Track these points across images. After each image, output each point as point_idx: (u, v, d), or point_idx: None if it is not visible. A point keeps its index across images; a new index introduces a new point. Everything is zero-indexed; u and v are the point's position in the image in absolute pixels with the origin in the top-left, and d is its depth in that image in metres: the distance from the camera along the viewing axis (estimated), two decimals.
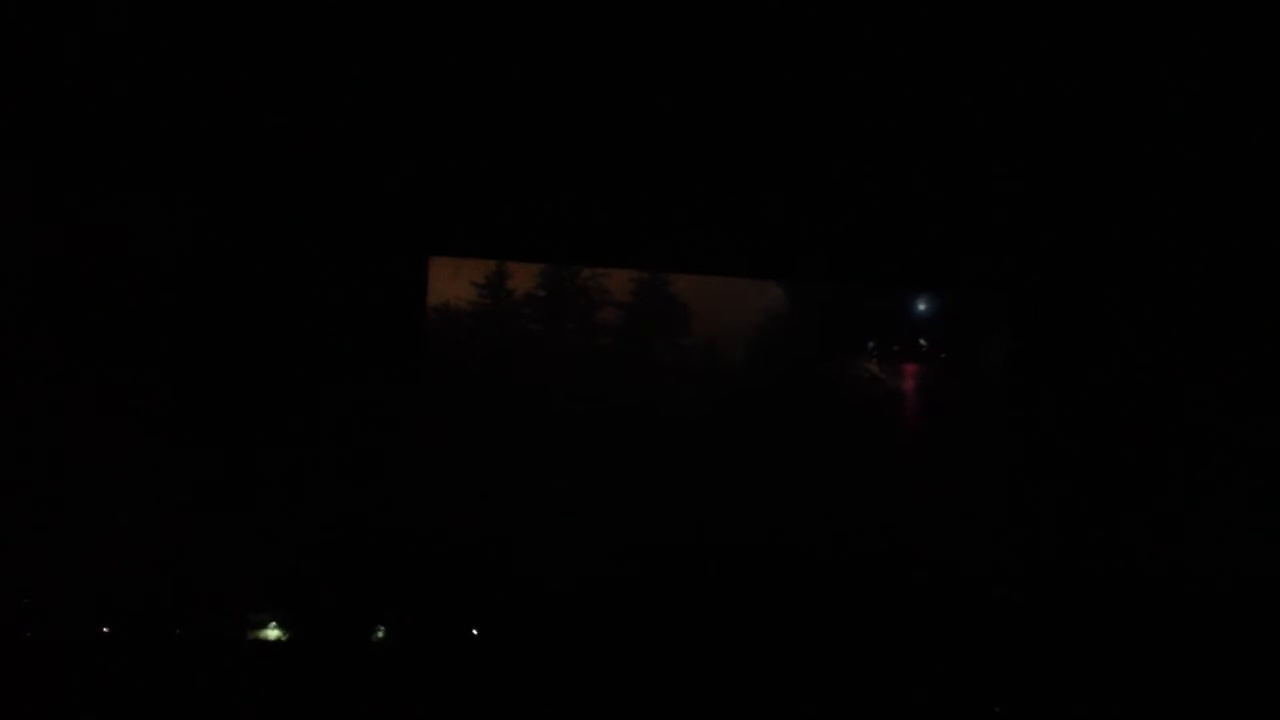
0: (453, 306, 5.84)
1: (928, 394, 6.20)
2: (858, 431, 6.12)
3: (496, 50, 5.35)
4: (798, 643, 5.40)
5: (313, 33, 5.24)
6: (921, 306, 6.29)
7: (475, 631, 5.42)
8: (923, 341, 6.23)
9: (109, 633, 5.19)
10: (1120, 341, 6.11)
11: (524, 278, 5.92)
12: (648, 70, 5.46)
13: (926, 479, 6.03)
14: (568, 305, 5.92)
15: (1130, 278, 6.14)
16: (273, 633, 5.33)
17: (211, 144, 5.53)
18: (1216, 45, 5.23)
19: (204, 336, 5.50)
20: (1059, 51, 5.29)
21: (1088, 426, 6.01)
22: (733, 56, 5.38)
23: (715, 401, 6.01)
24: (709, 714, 5.03)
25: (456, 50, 5.34)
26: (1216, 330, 6.04)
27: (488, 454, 5.76)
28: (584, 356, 5.91)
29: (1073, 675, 5.26)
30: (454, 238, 5.80)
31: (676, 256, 5.93)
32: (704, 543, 5.80)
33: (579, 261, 5.92)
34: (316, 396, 5.52)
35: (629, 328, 5.95)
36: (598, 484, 5.83)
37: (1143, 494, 5.91)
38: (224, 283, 5.53)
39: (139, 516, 5.30)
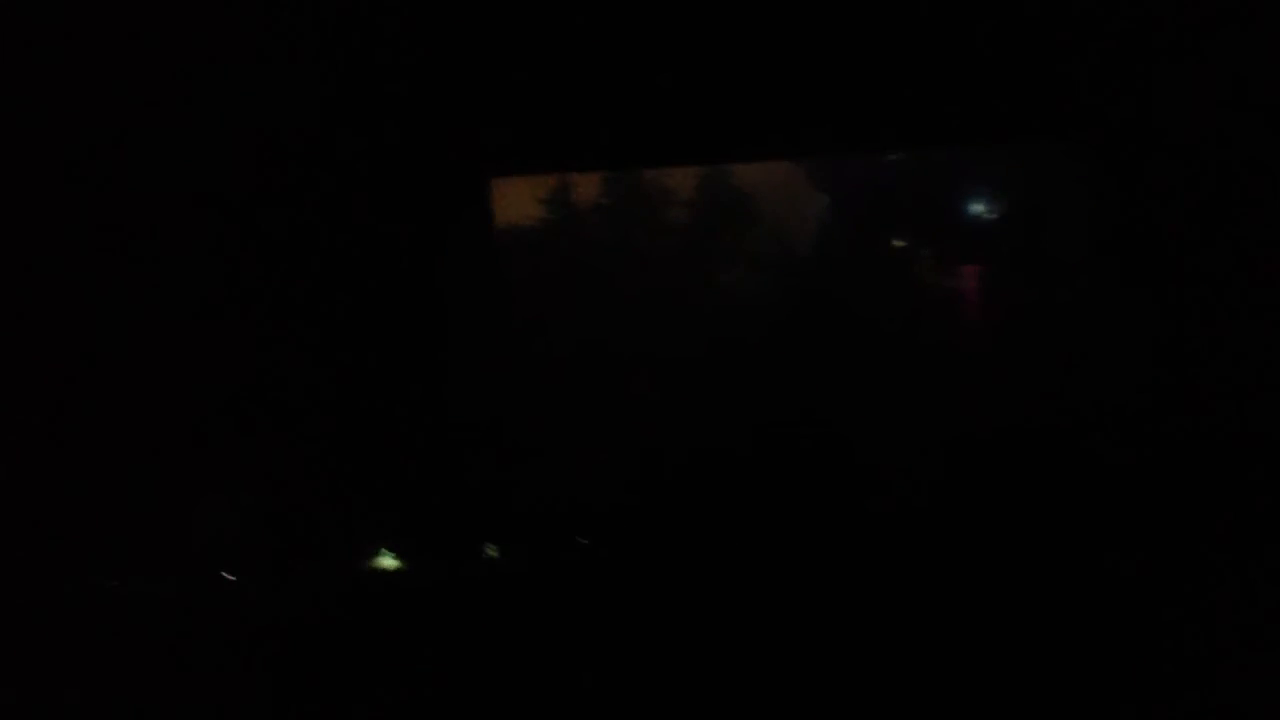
0: (520, 226, 5.86)
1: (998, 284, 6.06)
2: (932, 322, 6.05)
3: None
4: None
5: None
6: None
7: (584, 541, 5.49)
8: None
9: (231, 580, 5.33)
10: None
11: (587, 189, 5.93)
12: None
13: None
14: (633, 210, 5.92)
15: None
16: (390, 561, 5.45)
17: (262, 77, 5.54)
18: None
19: (273, 274, 5.54)
20: None
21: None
22: None
23: (786, 291, 5.99)
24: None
25: None
26: None
27: (571, 366, 5.80)
28: (654, 258, 5.91)
29: None
30: (513, 157, 5.80)
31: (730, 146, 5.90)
32: (792, 444, 5.76)
33: (639, 164, 5.91)
34: (394, 332, 5.58)
35: (695, 225, 5.94)
36: (682, 385, 5.86)
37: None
38: (284, 221, 5.56)
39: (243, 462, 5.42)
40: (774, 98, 5.62)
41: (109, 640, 4.96)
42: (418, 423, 5.55)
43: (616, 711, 4.75)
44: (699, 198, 5.95)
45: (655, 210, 5.93)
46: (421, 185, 5.64)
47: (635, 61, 5.60)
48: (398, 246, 5.62)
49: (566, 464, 5.70)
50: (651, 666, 4.82)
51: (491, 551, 5.48)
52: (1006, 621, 4.82)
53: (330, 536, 5.43)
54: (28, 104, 5.34)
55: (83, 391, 5.40)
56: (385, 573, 5.43)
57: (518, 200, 5.86)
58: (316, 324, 5.55)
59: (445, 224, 5.67)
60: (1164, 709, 4.43)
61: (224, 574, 5.33)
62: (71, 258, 5.42)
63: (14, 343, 5.36)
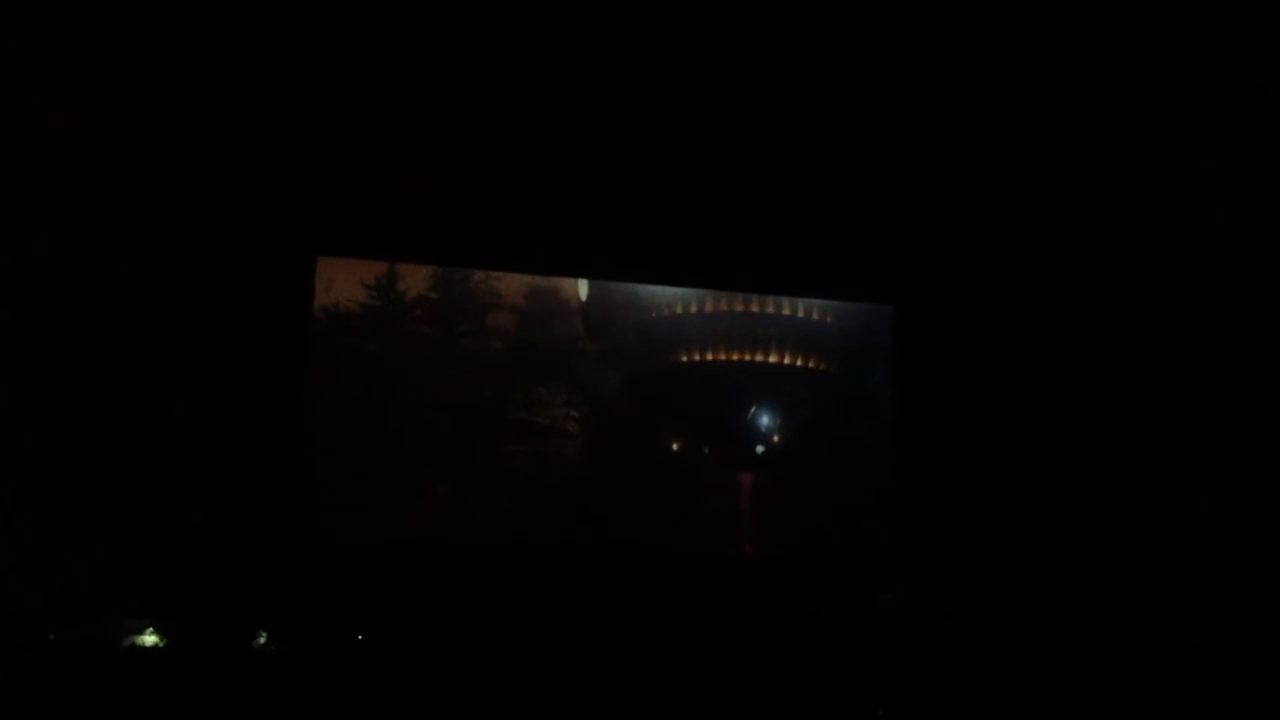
0: (341, 308, 5.77)
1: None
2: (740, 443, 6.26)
3: (377, 45, 5.34)
4: (672, 651, 5.49)
5: (198, 25, 5.15)
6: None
7: (360, 637, 5.38)
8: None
9: None
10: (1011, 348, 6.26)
11: (415, 279, 5.89)
12: (530, 73, 5.53)
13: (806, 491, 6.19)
14: (459, 308, 5.91)
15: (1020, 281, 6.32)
16: (150, 638, 5.22)
17: (86, 136, 5.37)
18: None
19: (79, 340, 5.33)
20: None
21: (974, 436, 6.19)
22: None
23: (602, 409, 6.07)
24: None
25: (335, 44, 5.32)
26: (1105, 335, 6.19)
27: (374, 458, 5.72)
28: (475, 360, 5.90)
29: (952, 679, 5.45)
30: (342, 237, 5.76)
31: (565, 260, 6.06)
32: (589, 549, 5.89)
33: (472, 264, 5.92)
34: (197, 401, 5.43)
35: (520, 331, 5.96)
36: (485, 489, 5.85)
37: (1031, 507, 6.06)
38: (103, 285, 5.38)
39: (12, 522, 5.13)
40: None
41: None
42: (206, 497, 5.39)
43: None
44: (526, 305, 5.98)
45: (480, 311, 5.92)
46: (248, 255, 5.57)
47: (474, 161, 5.74)
48: (218, 310, 5.53)
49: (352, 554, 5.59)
50: None
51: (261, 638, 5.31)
52: None
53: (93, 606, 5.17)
54: None
55: None
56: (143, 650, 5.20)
57: (343, 281, 5.78)
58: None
59: (267, 295, 5.58)
60: None
61: None
62: None
63: None
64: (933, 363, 6.35)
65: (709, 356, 6.20)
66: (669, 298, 6.21)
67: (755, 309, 6.27)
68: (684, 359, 6.19)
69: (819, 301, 6.34)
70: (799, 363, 6.30)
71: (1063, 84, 5.64)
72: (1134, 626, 5.61)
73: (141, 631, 5.19)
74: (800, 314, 6.32)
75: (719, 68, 5.56)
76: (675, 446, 6.11)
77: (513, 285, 5.99)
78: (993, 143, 6.00)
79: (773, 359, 6.27)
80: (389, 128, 5.64)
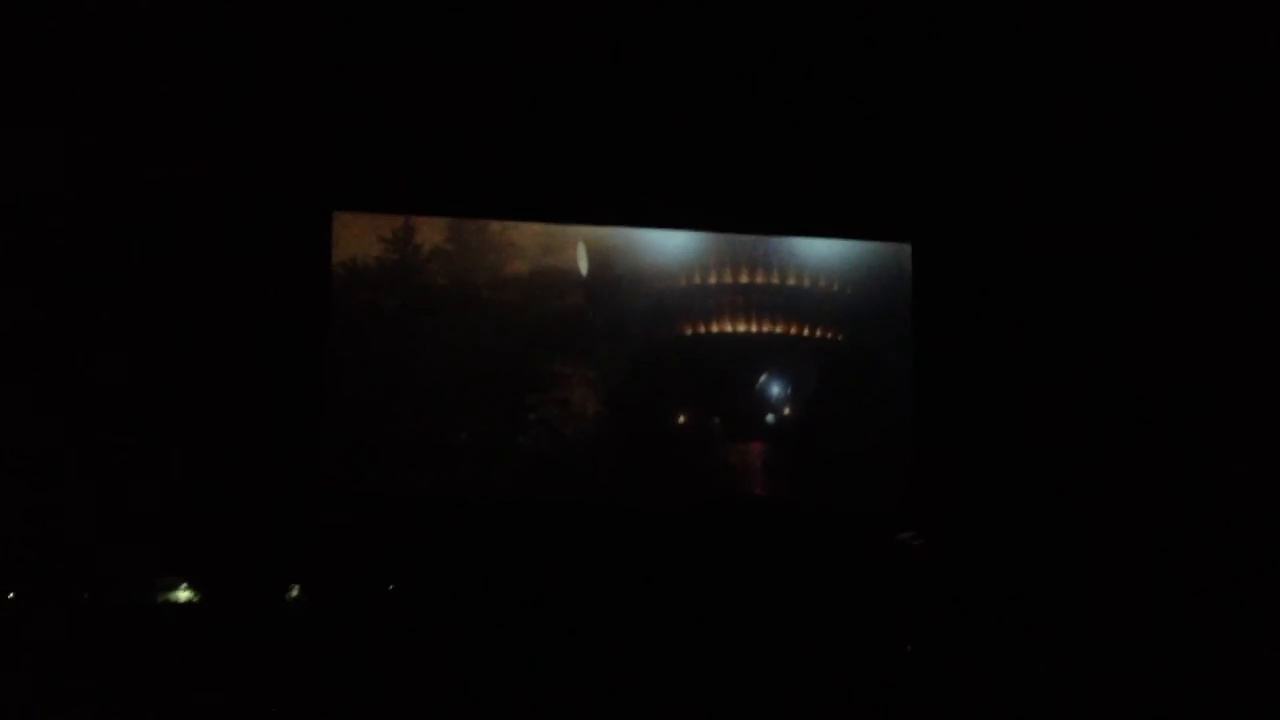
0: (359, 263, 5.77)
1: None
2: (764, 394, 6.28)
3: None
4: (705, 593, 5.54)
5: None
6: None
7: (391, 587, 5.45)
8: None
9: (16, 598, 5.09)
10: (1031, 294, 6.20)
11: (431, 232, 5.88)
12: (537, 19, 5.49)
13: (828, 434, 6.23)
14: (476, 259, 5.90)
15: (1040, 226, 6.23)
16: (184, 594, 5.29)
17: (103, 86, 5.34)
18: None
19: (92, 295, 5.36)
20: None
21: (995, 380, 6.16)
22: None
23: (622, 361, 6.10)
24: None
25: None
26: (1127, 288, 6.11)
27: (397, 410, 5.77)
28: (493, 312, 5.90)
29: (979, 616, 5.51)
30: (358, 192, 5.75)
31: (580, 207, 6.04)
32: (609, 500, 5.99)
33: (489, 215, 5.91)
34: (220, 358, 5.47)
35: (536, 283, 5.95)
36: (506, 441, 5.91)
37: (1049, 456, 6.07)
38: (119, 242, 5.38)
39: (45, 480, 5.19)
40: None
41: None
42: (231, 452, 5.45)
43: None
44: (543, 255, 5.97)
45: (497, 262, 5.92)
46: (265, 211, 5.56)
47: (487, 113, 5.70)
48: (238, 268, 5.54)
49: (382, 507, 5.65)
50: None
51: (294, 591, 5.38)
52: None
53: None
54: None
55: None
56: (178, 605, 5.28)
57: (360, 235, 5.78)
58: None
59: (285, 251, 5.59)
60: None
61: None
62: None
63: None
64: (951, 302, 6.29)
65: (714, 329, 6.20)
66: (671, 270, 6.17)
67: (760, 280, 6.26)
68: (688, 332, 6.18)
69: (826, 270, 6.31)
70: (806, 332, 6.32)
71: None
72: (1157, 567, 5.65)
73: (175, 588, 5.25)
74: (806, 284, 6.30)
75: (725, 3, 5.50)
76: (683, 419, 6.17)
77: (528, 234, 5.99)
78: (1005, 68, 5.89)
79: (779, 329, 6.28)
80: (400, 82, 5.59)
